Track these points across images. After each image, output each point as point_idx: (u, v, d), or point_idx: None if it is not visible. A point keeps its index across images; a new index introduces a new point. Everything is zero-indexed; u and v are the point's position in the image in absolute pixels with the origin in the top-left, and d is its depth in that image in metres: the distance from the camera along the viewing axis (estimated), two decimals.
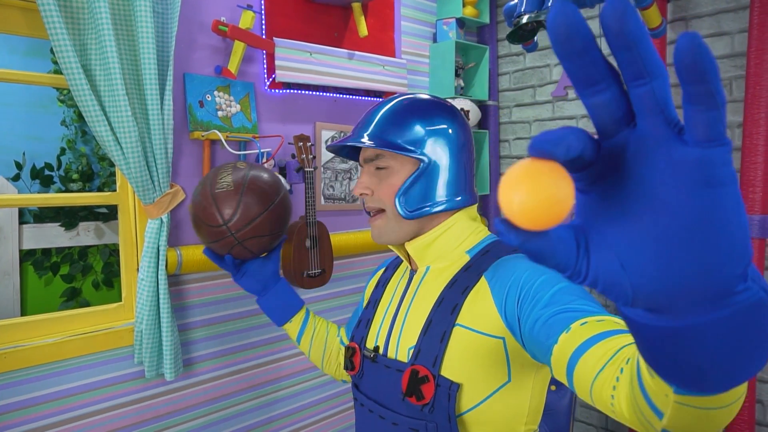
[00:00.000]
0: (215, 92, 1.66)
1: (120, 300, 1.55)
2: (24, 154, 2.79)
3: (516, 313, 0.72)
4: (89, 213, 2.86)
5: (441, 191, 0.84)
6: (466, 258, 0.85)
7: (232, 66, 1.66)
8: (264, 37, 1.77)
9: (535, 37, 1.45)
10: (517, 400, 0.79)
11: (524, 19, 1.26)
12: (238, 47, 1.66)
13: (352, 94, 2.04)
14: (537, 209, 0.26)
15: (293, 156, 1.81)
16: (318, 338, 1.14)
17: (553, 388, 1.85)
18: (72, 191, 2.81)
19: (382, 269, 1.06)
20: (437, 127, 0.84)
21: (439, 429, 0.76)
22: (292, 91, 1.86)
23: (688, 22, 1.91)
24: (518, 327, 0.71)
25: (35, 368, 1.37)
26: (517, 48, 2.46)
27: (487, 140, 2.45)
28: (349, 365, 0.92)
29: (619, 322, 0.58)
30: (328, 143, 1.98)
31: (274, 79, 1.79)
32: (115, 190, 1.54)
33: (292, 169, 1.77)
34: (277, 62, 1.76)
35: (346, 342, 1.15)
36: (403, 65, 2.16)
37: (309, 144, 1.74)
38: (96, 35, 1.33)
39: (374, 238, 0.88)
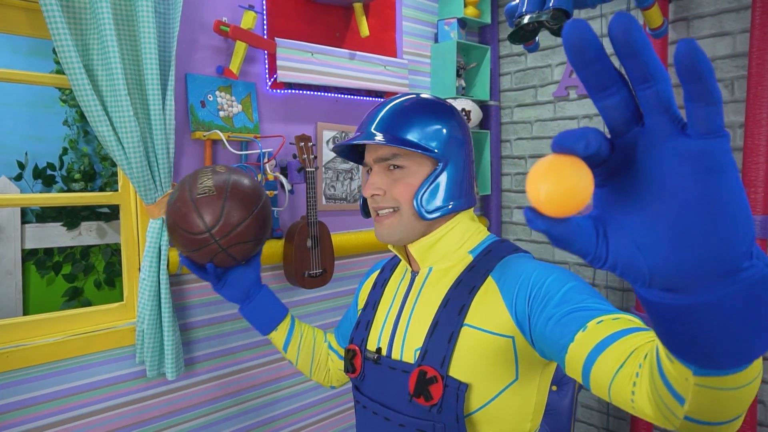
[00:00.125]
0: (217, 92, 1.66)
1: (122, 300, 1.56)
2: (26, 153, 2.80)
3: (526, 312, 0.73)
4: (91, 213, 2.87)
5: (454, 192, 0.84)
6: (470, 258, 0.85)
7: (234, 66, 1.67)
8: (265, 37, 1.77)
9: (537, 38, 1.45)
10: (524, 398, 0.80)
11: (525, 20, 1.26)
12: (240, 47, 1.66)
13: (354, 95, 2.05)
14: (561, 198, 0.29)
15: (294, 156, 1.82)
16: (305, 345, 1.12)
17: (554, 388, 1.85)
18: (74, 191, 2.81)
19: (378, 270, 1.05)
20: (449, 126, 0.84)
21: (447, 429, 0.76)
22: (293, 91, 1.86)
23: (689, 22, 1.91)
24: (528, 325, 0.72)
25: (37, 367, 1.37)
26: (519, 48, 2.46)
27: (489, 140, 2.45)
28: (349, 367, 0.91)
29: (633, 320, 0.59)
30: (329, 143, 1.99)
31: (275, 79, 1.80)
32: (116, 190, 1.54)
33: (293, 169, 1.77)
34: (278, 62, 1.76)
35: (335, 346, 1.14)
36: (405, 65, 2.16)
37: (310, 144, 1.74)
38: (98, 35, 1.34)
39: (382, 237, 0.86)
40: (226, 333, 1.74)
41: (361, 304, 1.06)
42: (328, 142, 1.99)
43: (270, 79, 1.80)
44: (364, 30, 1.92)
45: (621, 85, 0.31)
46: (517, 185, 2.53)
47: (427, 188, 0.82)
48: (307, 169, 1.73)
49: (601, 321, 0.60)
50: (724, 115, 1.84)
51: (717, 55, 1.85)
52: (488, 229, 2.56)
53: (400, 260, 0.99)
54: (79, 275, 2.87)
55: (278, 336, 1.09)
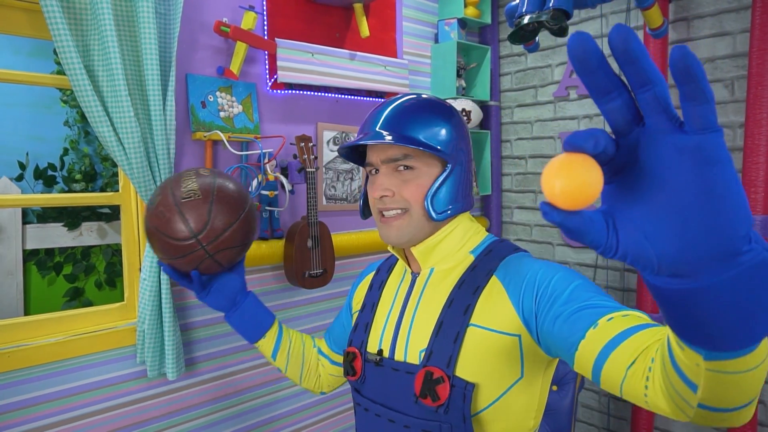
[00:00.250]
0: (217, 93, 1.66)
1: (122, 300, 1.56)
2: (27, 154, 2.80)
3: (533, 310, 0.73)
4: (92, 213, 2.88)
5: (460, 192, 0.84)
6: (471, 258, 0.85)
7: (234, 67, 1.67)
8: (266, 37, 1.77)
9: (537, 38, 1.45)
10: (529, 396, 0.80)
11: (525, 20, 1.26)
12: (240, 48, 1.67)
13: (354, 95, 2.05)
14: (574, 192, 0.32)
15: (295, 156, 1.82)
16: (295, 352, 1.09)
17: (554, 388, 1.85)
18: (75, 191, 2.82)
19: (373, 272, 1.03)
20: (454, 127, 0.84)
21: (453, 429, 0.76)
22: (293, 91, 1.86)
23: (689, 22, 1.91)
24: (535, 323, 0.73)
25: (38, 367, 1.38)
26: (519, 48, 2.46)
27: (489, 140, 2.45)
28: (350, 370, 0.91)
29: (642, 316, 0.61)
30: (330, 143, 1.99)
31: (275, 79, 1.80)
32: (117, 191, 1.54)
33: (293, 170, 1.77)
34: (278, 63, 1.76)
35: (326, 351, 1.13)
36: (405, 66, 2.16)
37: (311, 144, 1.74)
38: (99, 36, 1.34)
39: (390, 239, 0.84)
40: (226, 333, 1.74)
41: (356, 306, 1.04)
42: (328, 142, 1.99)
43: (270, 80, 1.80)
44: (365, 30, 1.92)
45: (622, 90, 0.34)
46: (517, 185, 2.53)
47: (437, 189, 0.81)
48: (308, 170, 1.73)
49: (612, 318, 0.62)
50: (725, 114, 1.84)
51: (717, 55, 1.85)
52: (489, 229, 2.56)
53: (397, 261, 0.98)
54: (80, 275, 2.87)
55: (266, 343, 1.06)
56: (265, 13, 1.78)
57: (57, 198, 1.46)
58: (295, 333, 1.11)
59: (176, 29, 1.46)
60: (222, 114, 1.67)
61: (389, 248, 0.93)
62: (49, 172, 2.83)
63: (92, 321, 1.49)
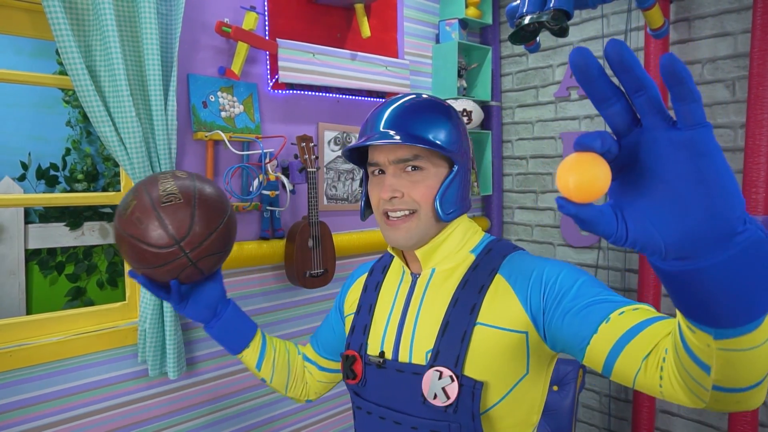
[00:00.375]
0: (218, 93, 1.67)
1: (124, 299, 1.56)
2: (29, 154, 2.81)
3: (541, 306, 0.75)
4: (94, 213, 2.88)
5: (464, 192, 0.85)
6: (472, 257, 0.85)
7: (236, 67, 1.67)
8: (267, 38, 1.78)
9: (537, 38, 1.45)
10: (533, 391, 0.81)
11: (526, 20, 1.26)
12: (242, 48, 1.67)
13: (355, 95, 2.05)
14: (586, 186, 0.36)
15: (296, 156, 1.82)
16: (280, 361, 1.05)
17: (555, 388, 1.85)
18: (77, 191, 2.83)
19: (365, 274, 1.01)
20: (457, 126, 0.84)
21: (462, 429, 0.76)
22: (294, 91, 1.86)
23: (690, 22, 1.91)
24: (542, 319, 0.75)
25: (40, 366, 1.38)
26: (520, 49, 2.46)
27: (490, 141, 2.45)
28: (349, 374, 0.89)
29: (651, 309, 0.64)
30: (330, 143, 1.99)
31: (277, 79, 1.80)
32: (119, 190, 1.55)
33: (294, 170, 1.78)
34: (280, 63, 1.77)
35: (312, 357, 1.10)
36: (406, 66, 2.17)
37: (312, 144, 1.75)
38: (101, 36, 1.35)
39: (399, 241, 0.83)
40: None
41: (349, 308, 1.01)
42: (329, 142, 1.99)
43: (271, 80, 1.81)
44: (366, 31, 1.93)
45: (620, 96, 0.38)
46: (518, 185, 2.53)
47: (446, 189, 0.81)
48: (309, 170, 1.74)
49: (623, 312, 0.64)
50: (726, 115, 1.84)
51: (718, 56, 1.85)
52: (490, 230, 2.56)
53: (391, 262, 0.97)
54: (82, 275, 2.88)
55: (251, 354, 1.01)
56: (266, 13, 1.78)
57: (59, 198, 1.47)
58: (278, 341, 1.08)
59: (178, 29, 1.46)
60: (223, 114, 1.67)
61: (389, 248, 0.92)
62: (52, 172, 2.84)
63: (94, 320, 1.50)
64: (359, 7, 1.93)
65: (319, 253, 1.79)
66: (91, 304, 2.88)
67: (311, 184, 1.74)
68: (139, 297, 1.53)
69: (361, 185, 0.98)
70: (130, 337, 1.51)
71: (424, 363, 0.81)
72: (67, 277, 2.85)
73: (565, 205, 0.37)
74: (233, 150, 1.66)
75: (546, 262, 0.79)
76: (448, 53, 2.30)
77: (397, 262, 0.95)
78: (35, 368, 1.38)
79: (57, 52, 2.73)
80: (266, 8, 1.78)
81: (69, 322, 1.46)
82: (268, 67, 1.80)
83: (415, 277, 0.88)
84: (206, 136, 1.62)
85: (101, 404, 1.49)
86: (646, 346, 0.59)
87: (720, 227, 0.37)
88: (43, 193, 2.82)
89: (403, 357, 0.84)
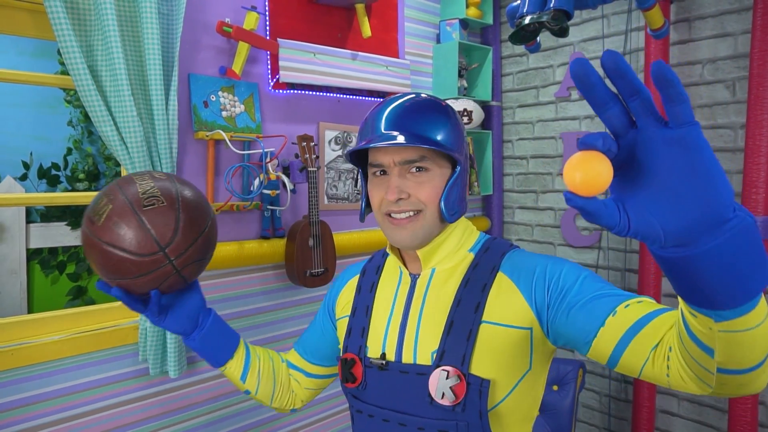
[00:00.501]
0: (219, 92, 1.67)
1: None
2: (31, 154, 2.82)
3: (545, 302, 0.77)
4: None
5: (465, 192, 0.86)
6: (471, 256, 0.86)
7: (237, 67, 1.68)
8: (268, 38, 1.78)
9: (538, 38, 1.46)
10: (535, 387, 0.82)
11: (526, 20, 1.27)
12: (243, 48, 1.68)
13: (356, 95, 2.06)
14: (590, 180, 0.40)
15: (297, 156, 1.83)
16: (265, 371, 1.00)
17: (555, 388, 1.85)
18: (78, 191, 2.83)
19: (357, 275, 1.00)
20: (458, 127, 0.84)
21: (470, 427, 0.77)
22: (295, 91, 1.87)
23: (691, 23, 1.91)
24: (546, 314, 0.77)
25: (41, 365, 1.39)
26: (521, 49, 2.47)
27: (491, 141, 2.46)
28: (349, 377, 0.88)
29: (654, 302, 0.67)
30: (331, 143, 2.00)
31: (277, 79, 1.81)
32: None
33: (295, 169, 1.78)
34: (280, 63, 1.77)
35: (297, 363, 1.06)
36: (407, 66, 2.17)
37: (312, 144, 1.75)
38: (102, 36, 1.35)
39: (404, 242, 0.82)
40: None
41: (342, 311, 0.98)
42: (330, 142, 2.00)
43: (272, 80, 1.81)
44: (366, 31, 1.93)
45: (616, 100, 0.42)
46: (519, 185, 2.53)
47: (450, 190, 0.82)
48: (309, 169, 1.74)
49: (629, 305, 0.67)
50: (726, 116, 1.84)
51: (718, 56, 1.85)
52: (490, 230, 2.57)
53: (384, 262, 0.96)
54: (83, 274, 2.88)
55: (235, 365, 0.96)
56: (267, 13, 1.79)
57: (60, 197, 1.47)
58: (261, 349, 1.03)
59: (179, 29, 1.47)
60: (224, 114, 1.68)
61: (387, 248, 0.92)
62: (53, 172, 2.84)
63: (95, 319, 1.50)
64: (360, 7, 1.94)
65: (320, 253, 1.79)
66: (92, 303, 2.89)
67: (312, 184, 1.74)
68: None
69: (356, 185, 0.98)
70: (130, 336, 1.52)
71: (429, 363, 0.81)
72: (68, 277, 2.85)
73: (572, 198, 0.41)
74: (234, 149, 1.66)
75: (548, 258, 0.81)
76: (448, 53, 2.30)
77: (391, 262, 0.94)
78: (36, 367, 1.38)
79: (58, 52, 2.74)
80: (267, 8, 1.78)
81: (70, 321, 1.46)
82: (269, 66, 1.80)
83: (414, 277, 0.88)
84: (207, 136, 1.62)
85: (102, 403, 1.49)
86: (653, 337, 0.62)
87: (711, 215, 0.41)
88: (45, 192, 2.82)
89: (407, 358, 0.83)
